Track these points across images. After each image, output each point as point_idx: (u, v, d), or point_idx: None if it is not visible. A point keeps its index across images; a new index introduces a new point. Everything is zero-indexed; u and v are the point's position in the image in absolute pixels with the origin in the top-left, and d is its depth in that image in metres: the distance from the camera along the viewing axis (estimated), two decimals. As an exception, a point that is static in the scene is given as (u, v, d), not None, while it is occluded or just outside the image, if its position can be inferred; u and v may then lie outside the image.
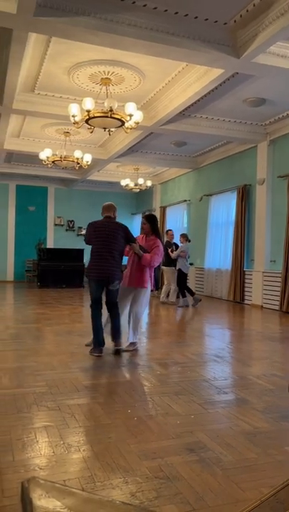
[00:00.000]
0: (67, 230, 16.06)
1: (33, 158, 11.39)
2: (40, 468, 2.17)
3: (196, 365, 4.34)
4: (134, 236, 5.10)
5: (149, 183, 12.51)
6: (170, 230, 10.48)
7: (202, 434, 2.60)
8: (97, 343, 4.59)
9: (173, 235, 9.95)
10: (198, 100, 7.11)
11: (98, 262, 4.70)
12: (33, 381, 3.62)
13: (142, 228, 5.28)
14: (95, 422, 2.79)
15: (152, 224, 5.16)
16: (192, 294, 9.34)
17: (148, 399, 3.34)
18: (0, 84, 6.64)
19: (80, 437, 2.56)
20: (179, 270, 9.21)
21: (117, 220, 5.09)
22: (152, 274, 5.09)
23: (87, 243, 4.95)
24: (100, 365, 4.21)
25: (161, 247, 5.04)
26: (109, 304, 4.83)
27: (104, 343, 4.61)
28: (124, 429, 2.70)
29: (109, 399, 3.28)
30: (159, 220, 10.54)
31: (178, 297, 9.39)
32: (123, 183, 12.51)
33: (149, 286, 4.98)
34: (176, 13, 4.83)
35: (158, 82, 6.84)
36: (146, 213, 5.26)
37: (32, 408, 3.00)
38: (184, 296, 9.21)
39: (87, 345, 4.82)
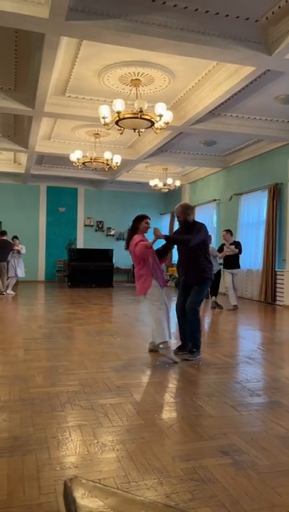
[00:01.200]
0: (96, 230, 16.23)
1: (63, 160, 11.57)
2: (76, 467, 2.21)
3: (228, 367, 4.30)
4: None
5: (177, 183, 12.49)
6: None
7: (236, 437, 2.58)
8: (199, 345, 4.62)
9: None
10: (229, 99, 7.04)
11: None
12: (66, 380, 3.68)
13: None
14: (128, 422, 2.81)
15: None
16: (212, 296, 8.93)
17: (180, 400, 3.34)
18: (32, 89, 6.77)
19: (113, 437, 2.58)
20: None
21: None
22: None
23: (195, 244, 4.60)
24: (131, 366, 4.23)
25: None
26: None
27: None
28: (156, 429, 2.71)
29: (141, 399, 3.29)
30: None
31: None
32: (152, 183, 12.53)
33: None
34: (207, 11, 4.79)
35: (188, 82, 6.81)
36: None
37: (66, 407, 3.05)
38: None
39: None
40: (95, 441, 2.51)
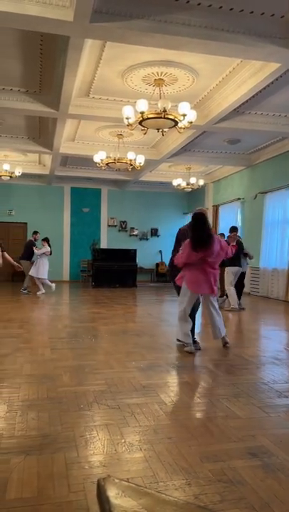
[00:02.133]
0: (119, 230, 16.31)
1: (87, 161, 11.67)
2: (104, 466, 2.22)
3: (254, 367, 4.25)
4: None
5: (201, 182, 12.43)
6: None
7: (264, 439, 2.55)
8: None
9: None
10: (253, 96, 6.96)
11: None
12: (92, 379, 3.71)
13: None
14: (155, 422, 2.81)
15: None
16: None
17: (206, 400, 3.32)
18: (57, 91, 6.86)
19: (140, 436, 2.58)
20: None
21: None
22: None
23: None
24: (157, 366, 4.23)
25: None
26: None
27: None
28: (184, 429, 2.70)
29: (168, 399, 3.29)
30: (211, 219, 10.15)
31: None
32: (175, 183, 12.51)
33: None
34: (231, 9, 4.75)
35: (211, 80, 6.77)
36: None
37: (93, 406, 3.07)
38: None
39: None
40: (122, 440, 2.53)
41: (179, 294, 5.06)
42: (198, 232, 4.67)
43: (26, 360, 4.35)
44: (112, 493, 0.97)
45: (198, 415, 3.04)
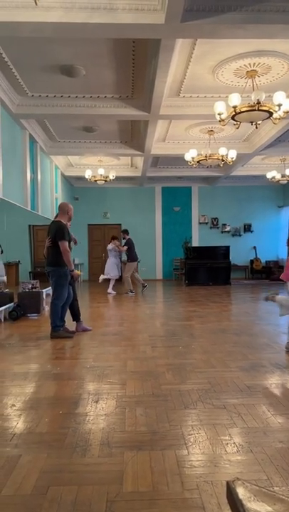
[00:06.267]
0: (211, 227, 16.16)
1: (177, 160, 11.74)
2: (215, 466, 2.22)
3: None
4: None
5: (297, 174, 11.82)
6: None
7: None
8: None
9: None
10: None
11: None
12: (195, 378, 3.72)
13: None
14: (263, 424, 2.74)
15: None
16: None
17: (317, 404, 3.15)
18: (148, 94, 6.99)
19: (249, 438, 2.54)
20: None
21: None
22: None
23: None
24: (260, 366, 4.12)
25: None
26: None
27: None
28: (295, 434, 2.59)
29: (275, 401, 3.18)
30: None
31: None
32: (269, 175, 12.05)
33: None
34: None
35: (308, 65, 6.40)
36: None
37: (198, 405, 3.09)
38: None
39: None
40: (231, 441, 2.50)
41: None
42: None
43: (129, 357, 4.50)
44: (244, 496, 0.96)
45: (310, 419, 2.90)
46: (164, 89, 6.78)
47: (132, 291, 11.03)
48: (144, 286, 11.34)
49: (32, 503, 1.91)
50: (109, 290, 11.09)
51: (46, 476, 2.13)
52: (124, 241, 11.31)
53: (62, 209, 5.74)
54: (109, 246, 11.27)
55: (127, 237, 11.22)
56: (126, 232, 11.39)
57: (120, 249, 11.25)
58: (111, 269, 11.16)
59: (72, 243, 5.90)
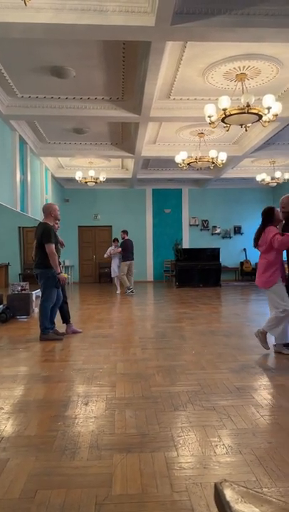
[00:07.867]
0: (201, 229, 16.20)
1: (168, 163, 11.77)
2: (205, 468, 2.22)
3: None
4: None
5: (287, 176, 11.91)
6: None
7: None
8: None
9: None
10: None
11: None
12: (185, 380, 3.72)
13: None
14: (252, 425, 2.75)
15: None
16: None
17: (306, 405, 3.17)
18: (138, 96, 7.00)
19: (239, 439, 2.54)
20: None
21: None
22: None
23: None
24: (250, 367, 4.13)
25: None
26: None
27: None
28: (284, 434, 2.60)
29: (264, 402, 3.19)
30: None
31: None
32: (259, 178, 12.13)
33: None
34: None
35: (297, 69, 6.46)
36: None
37: (188, 406, 3.08)
38: None
39: None
40: (221, 442, 2.50)
41: None
42: None
43: (119, 359, 4.49)
44: (231, 498, 0.96)
45: (299, 420, 2.91)
46: (155, 92, 6.80)
47: (129, 289, 11.39)
48: (128, 289, 11.44)
49: (20, 506, 1.89)
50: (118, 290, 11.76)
51: (34, 480, 2.11)
52: (122, 241, 11.71)
53: (46, 211, 5.72)
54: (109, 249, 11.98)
55: (126, 237, 11.62)
56: (125, 232, 11.79)
57: (112, 253, 11.76)
58: (113, 270, 11.90)
59: (59, 246, 5.86)
